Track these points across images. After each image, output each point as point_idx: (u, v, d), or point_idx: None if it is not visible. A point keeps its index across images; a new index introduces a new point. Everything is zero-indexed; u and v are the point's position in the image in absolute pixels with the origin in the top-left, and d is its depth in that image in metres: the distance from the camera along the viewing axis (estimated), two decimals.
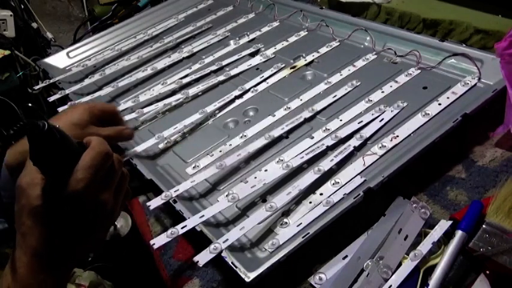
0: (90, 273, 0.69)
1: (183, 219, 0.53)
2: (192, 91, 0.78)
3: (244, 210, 0.56)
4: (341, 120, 0.64)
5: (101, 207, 0.40)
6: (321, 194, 0.54)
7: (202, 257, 0.47)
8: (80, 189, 0.37)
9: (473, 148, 0.60)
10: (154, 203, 0.56)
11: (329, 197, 0.53)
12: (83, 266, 0.80)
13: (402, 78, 0.69)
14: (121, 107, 0.77)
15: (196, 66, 0.86)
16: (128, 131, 0.61)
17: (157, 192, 0.58)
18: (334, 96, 0.69)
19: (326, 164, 0.57)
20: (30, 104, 0.95)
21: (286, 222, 0.52)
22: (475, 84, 0.64)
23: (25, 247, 0.39)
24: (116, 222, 0.49)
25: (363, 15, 0.91)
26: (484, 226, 0.45)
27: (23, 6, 1.18)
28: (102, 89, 0.85)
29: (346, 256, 0.49)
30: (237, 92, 0.76)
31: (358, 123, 0.63)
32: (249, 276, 0.45)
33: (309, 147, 0.61)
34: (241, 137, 0.66)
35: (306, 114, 0.67)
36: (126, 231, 0.49)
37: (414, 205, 0.50)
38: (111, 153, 0.40)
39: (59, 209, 0.38)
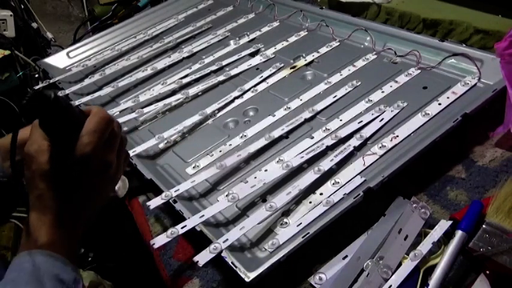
0: (89, 273, 0.69)
1: (183, 219, 0.53)
2: (192, 91, 0.78)
3: (244, 210, 0.56)
4: (341, 120, 0.64)
5: (106, 167, 0.43)
6: (321, 194, 0.54)
7: (202, 257, 0.47)
8: (87, 152, 0.41)
9: (473, 148, 0.60)
10: (154, 203, 0.56)
11: (329, 197, 0.53)
12: (83, 266, 0.80)
13: (402, 78, 0.69)
14: (121, 107, 0.78)
15: (196, 66, 0.86)
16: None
17: (157, 192, 0.58)
18: (334, 96, 0.69)
19: (326, 164, 0.57)
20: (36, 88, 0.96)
21: (286, 222, 0.52)
22: (475, 84, 0.64)
23: (43, 207, 0.42)
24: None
25: (363, 15, 0.91)
26: (484, 226, 0.45)
27: (23, 6, 1.18)
28: (102, 89, 0.85)
29: (346, 256, 0.49)
30: (236, 93, 0.76)
31: (358, 123, 0.63)
32: (249, 276, 0.45)
33: (309, 147, 0.61)
34: (241, 137, 0.66)
35: (306, 114, 0.67)
36: (124, 192, 0.53)
37: (414, 205, 0.50)
38: (112, 119, 0.44)
39: (69, 171, 0.42)
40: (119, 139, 0.45)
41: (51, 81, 0.90)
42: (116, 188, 0.55)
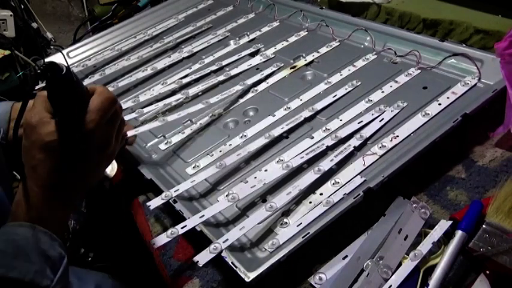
0: None
1: (183, 219, 0.53)
2: (192, 91, 0.78)
3: (244, 210, 0.56)
4: (341, 120, 0.64)
5: (107, 144, 0.46)
6: (321, 194, 0.54)
7: (202, 257, 0.47)
8: (92, 128, 0.43)
9: (473, 148, 0.60)
10: (154, 203, 0.56)
11: (329, 197, 0.53)
12: (83, 266, 0.80)
13: (402, 78, 0.69)
14: None
15: (196, 66, 0.86)
16: (132, 138, 0.64)
17: (157, 192, 0.58)
18: (334, 96, 0.69)
19: (326, 164, 0.57)
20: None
21: (286, 222, 0.52)
22: (475, 84, 0.64)
23: (36, 178, 0.44)
24: None
25: (363, 15, 0.91)
26: (484, 226, 0.45)
27: (23, 6, 1.18)
28: None
29: (346, 256, 0.49)
30: (238, 87, 0.76)
31: (358, 123, 0.63)
32: (249, 276, 0.45)
33: (309, 147, 0.61)
34: (241, 137, 0.66)
35: (306, 114, 0.67)
36: (113, 173, 0.55)
37: (414, 205, 0.50)
38: (116, 99, 0.46)
39: (74, 145, 0.44)
40: (119, 118, 0.48)
41: None
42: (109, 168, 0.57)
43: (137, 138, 0.72)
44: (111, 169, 0.56)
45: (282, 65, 0.80)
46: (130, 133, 0.63)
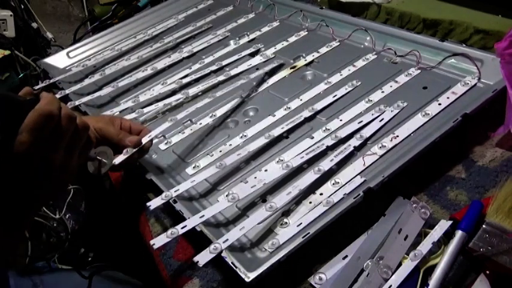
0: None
1: (183, 219, 0.53)
2: (192, 91, 0.78)
3: (244, 210, 0.56)
4: (341, 120, 0.64)
5: (48, 165, 0.41)
6: (321, 194, 0.54)
7: (202, 257, 0.47)
8: (23, 151, 0.39)
9: (473, 148, 0.60)
10: (155, 203, 0.56)
11: (329, 197, 0.53)
12: (83, 266, 0.80)
13: (402, 78, 0.69)
14: (121, 107, 0.78)
15: (196, 66, 0.86)
16: (147, 145, 0.61)
17: (158, 192, 0.58)
18: (334, 96, 0.69)
19: (326, 164, 0.57)
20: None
21: (286, 222, 0.52)
22: (475, 84, 0.64)
23: None
24: (100, 158, 0.52)
25: (363, 15, 0.91)
26: (484, 226, 0.45)
27: (23, 6, 1.18)
28: (102, 89, 0.85)
29: (346, 256, 0.49)
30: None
31: (358, 123, 0.63)
32: (249, 276, 0.45)
33: (309, 147, 0.61)
34: (241, 137, 0.66)
35: (306, 114, 0.67)
36: (109, 165, 0.52)
37: (414, 205, 0.50)
38: (55, 113, 0.41)
39: (4, 168, 0.40)
40: (68, 133, 0.43)
41: (51, 81, 0.90)
42: (104, 160, 0.54)
43: None
44: (107, 158, 0.53)
45: (282, 62, 0.80)
46: (144, 140, 0.60)
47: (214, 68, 0.83)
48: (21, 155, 0.39)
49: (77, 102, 0.80)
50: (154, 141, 0.68)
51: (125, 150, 0.57)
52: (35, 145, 0.40)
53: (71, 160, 0.44)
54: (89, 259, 1.05)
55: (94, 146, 0.52)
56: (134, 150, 0.58)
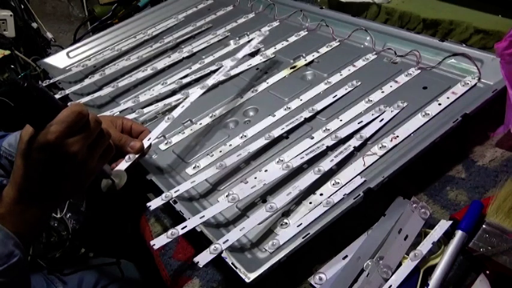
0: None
1: (183, 219, 0.53)
2: (192, 91, 0.78)
3: (245, 211, 0.56)
4: (341, 120, 0.65)
5: (71, 157, 0.46)
6: (321, 195, 0.54)
7: (203, 258, 0.47)
8: (51, 140, 0.44)
9: (473, 148, 0.60)
10: (155, 203, 0.56)
11: (329, 197, 0.53)
12: (84, 267, 0.80)
13: (402, 78, 0.69)
14: (121, 107, 0.78)
15: (196, 66, 0.86)
16: (147, 150, 0.62)
17: (158, 192, 0.58)
18: (334, 96, 0.69)
19: (326, 164, 0.57)
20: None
21: (286, 223, 0.53)
22: (475, 84, 0.64)
23: (13, 183, 0.47)
24: (114, 178, 0.56)
25: (363, 15, 0.91)
26: (484, 226, 0.45)
27: (23, 6, 1.18)
28: (102, 89, 0.85)
29: (346, 256, 0.49)
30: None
31: (358, 123, 0.63)
32: (249, 276, 0.45)
33: (309, 148, 0.61)
34: (241, 137, 0.66)
35: (306, 114, 0.67)
36: (120, 186, 0.55)
37: (414, 205, 0.50)
38: (85, 113, 0.46)
39: (33, 155, 0.45)
40: (93, 133, 0.48)
41: (51, 81, 0.90)
42: (116, 181, 0.56)
43: None
44: (120, 179, 0.56)
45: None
46: (145, 144, 0.60)
47: (214, 68, 0.83)
48: (49, 143, 0.44)
49: (76, 103, 0.80)
50: (154, 141, 0.68)
51: (127, 157, 0.58)
52: (62, 136, 0.44)
53: (91, 159, 0.48)
54: (91, 255, 1.05)
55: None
56: (136, 156, 0.59)
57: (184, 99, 0.72)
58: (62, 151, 0.45)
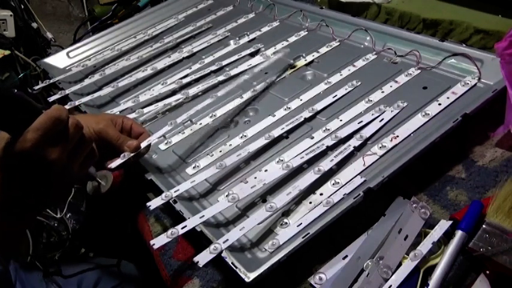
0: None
1: (183, 219, 0.53)
2: (192, 91, 0.78)
3: (244, 211, 0.56)
4: (341, 120, 0.64)
5: (49, 165, 0.43)
6: (321, 194, 0.54)
7: (202, 258, 0.47)
8: (27, 148, 0.41)
9: (473, 148, 0.60)
10: (155, 203, 0.56)
11: (329, 197, 0.53)
12: (85, 270, 0.80)
13: (402, 78, 0.69)
14: (121, 107, 0.78)
15: (196, 66, 0.86)
16: (144, 151, 0.61)
17: (158, 192, 0.58)
18: (334, 96, 0.69)
19: (326, 164, 0.57)
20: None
21: (286, 223, 0.53)
22: (475, 84, 0.64)
23: None
24: (100, 180, 0.55)
25: (363, 15, 0.91)
26: (484, 226, 0.45)
27: (23, 6, 1.18)
28: (102, 89, 0.85)
29: (346, 256, 0.49)
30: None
31: (358, 123, 0.63)
32: (249, 276, 0.45)
33: (309, 147, 0.61)
34: (241, 137, 0.66)
35: (306, 114, 0.67)
36: (106, 188, 0.53)
37: (414, 205, 0.50)
38: (63, 118, 0.43)
39: (8, 164, 0.43)
40: (73, 140, 0.45)
41: (51, 81, 0.90)
42: (102, 182, 0.55)
43: None
44: (106, 181, 0.54)
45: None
46: (143, 144, 0.60)
47: (214, 68, 0.83)
48: (25, 152, 0.41)
49: (77, 103, 0.80)
50: (154, 141, 0.68)
51: (122, 155, 0.58)
52: (38, 144, 0.42)
53: (72, 166, 0.46)
54: (91, 255, 1.05)
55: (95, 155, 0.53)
56: (131, 154, 0.58)
57: (187, 100, 0.72)
58: (39, 159, 0.42)
